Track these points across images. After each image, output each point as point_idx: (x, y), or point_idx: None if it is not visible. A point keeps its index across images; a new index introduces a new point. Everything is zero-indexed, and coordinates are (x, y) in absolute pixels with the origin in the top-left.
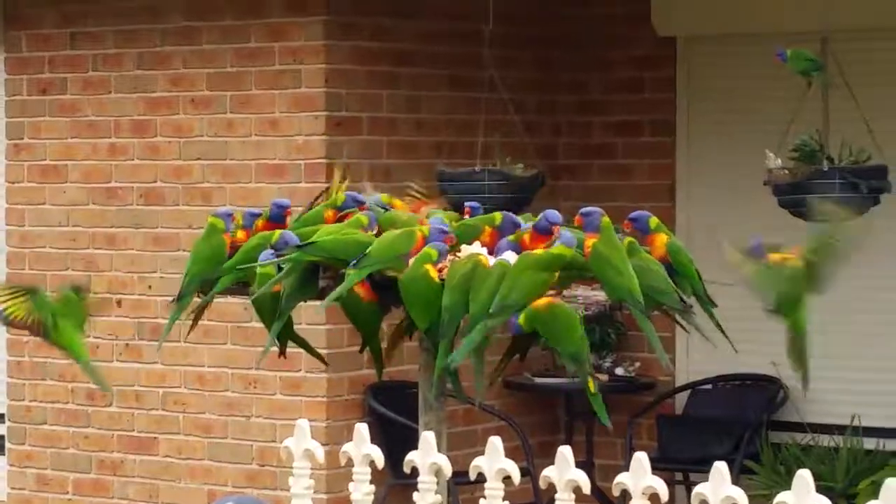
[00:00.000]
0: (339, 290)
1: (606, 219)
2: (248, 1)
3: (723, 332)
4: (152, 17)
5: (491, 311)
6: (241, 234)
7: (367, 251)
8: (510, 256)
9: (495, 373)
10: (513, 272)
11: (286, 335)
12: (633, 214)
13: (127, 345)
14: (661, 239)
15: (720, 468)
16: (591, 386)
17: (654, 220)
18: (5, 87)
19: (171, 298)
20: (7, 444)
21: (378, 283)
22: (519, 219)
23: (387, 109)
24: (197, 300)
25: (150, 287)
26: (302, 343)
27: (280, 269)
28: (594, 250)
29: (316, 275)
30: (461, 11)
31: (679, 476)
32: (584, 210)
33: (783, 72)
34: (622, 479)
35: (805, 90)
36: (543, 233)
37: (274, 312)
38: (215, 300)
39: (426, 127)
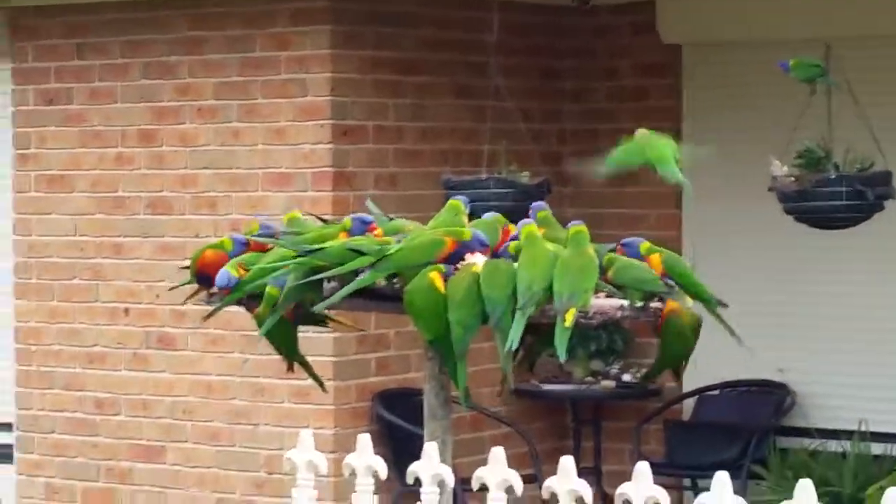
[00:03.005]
0: (347, 288)
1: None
2: (253, 11)
3: (731, 331)
4: (158, 27)
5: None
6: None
7: (389, 254)
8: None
9: (504, 383)
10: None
11: (291, 354)
12: (624, 241)
13: (135, 353)
14: (656, 259)
15: (722, 478)
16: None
17: (644, 245)
18: (12, 98)
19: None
20: (16, 454)
21: (376, 292)
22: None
23: (392, 118)
24: (207, 307)
25: (157, 296)
26: (304, 364)
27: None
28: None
29: (320, 280)
30: (466, 20)
31: (687, 482)
32: (624, 241)
33: (787, 79)
34: (624, 489)
35: (809, 96)
36: None
37: (281, 335)
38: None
39: (432, 135)
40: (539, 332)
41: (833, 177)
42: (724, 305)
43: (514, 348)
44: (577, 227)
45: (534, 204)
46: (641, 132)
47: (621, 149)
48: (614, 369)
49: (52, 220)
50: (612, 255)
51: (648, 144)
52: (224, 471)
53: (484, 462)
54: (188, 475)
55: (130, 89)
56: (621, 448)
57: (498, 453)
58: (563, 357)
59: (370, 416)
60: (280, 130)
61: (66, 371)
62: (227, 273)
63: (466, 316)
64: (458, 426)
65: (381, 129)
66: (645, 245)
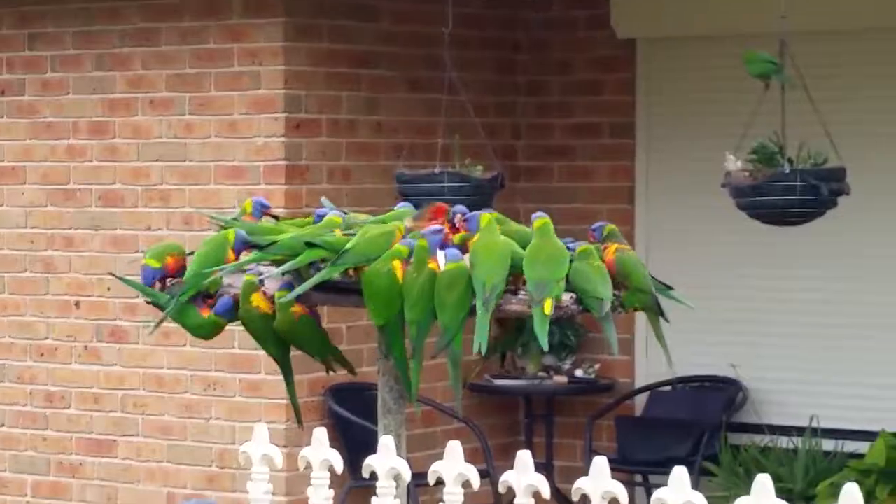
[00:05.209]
0: (309, 282)
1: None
2: (206, 2)
3: (664, 346)
4: (111, 18)
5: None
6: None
7: (348, 248)
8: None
9: (470, 373)
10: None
11: (323, 350)
12: (594, 226)
13: (86, 347)
14: (610, 251)
15: (679, 474)
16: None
17: (608, 227)
18: None
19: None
20: None
21: (337, 286)
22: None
23: (346, 111)
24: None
25: (108, 289)
26: (337, 354)
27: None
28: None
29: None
30: (421, 14)
31: (639, 478)
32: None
33: (742, 73)
34: (581, 483)
35: (763, 92)
36: None
37: (261, 332)
38: None
39: (385, 129)
40: (506, 326)
41: (787, 172)
42: (670, 288)
43: (483, 352)
44: (542, 218)
45: (470, 214)
46: None
47: None
48: (567, 365)
49: (3, 211)
50: (585, 251)
51: None
52: (175, 465)
53: (435, 457)
54: (139, 469)
55: (82, 81)
56: (573, 443)
57: (454, 447)
58: (545, 346)
59: (322, 411)
60: (233, 123)
61: (17, 364)
62: (149, 268)
63: (420, 315)
64: (409, 421)
65: (334, 123)
66: (608, 227)
